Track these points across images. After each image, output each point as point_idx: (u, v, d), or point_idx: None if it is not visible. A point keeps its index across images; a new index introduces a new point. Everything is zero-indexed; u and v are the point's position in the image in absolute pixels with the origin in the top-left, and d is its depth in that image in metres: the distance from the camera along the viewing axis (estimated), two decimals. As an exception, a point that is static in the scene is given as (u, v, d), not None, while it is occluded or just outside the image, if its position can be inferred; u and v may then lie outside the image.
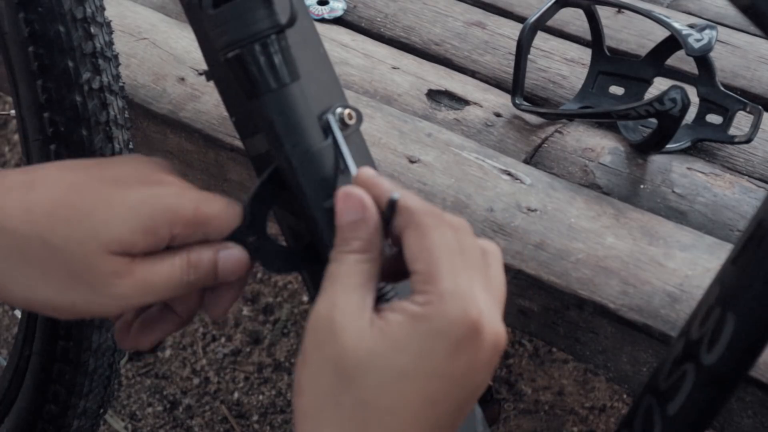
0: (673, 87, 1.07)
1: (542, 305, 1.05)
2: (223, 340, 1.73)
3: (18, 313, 1.14)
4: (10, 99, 1.14)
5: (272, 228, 0.68)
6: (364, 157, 0.69)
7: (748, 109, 1.19)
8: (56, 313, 0.64)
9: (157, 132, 1.27)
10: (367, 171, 0.61)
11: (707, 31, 1.15)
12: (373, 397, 0.54)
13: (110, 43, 0.99)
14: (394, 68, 1.34)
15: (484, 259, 0.59)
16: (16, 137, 2.10)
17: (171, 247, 0.63)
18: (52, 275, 0.61)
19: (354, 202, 0.59)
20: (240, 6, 0.62)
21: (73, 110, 0.95)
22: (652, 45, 1.27)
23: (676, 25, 1.18)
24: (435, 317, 0.54)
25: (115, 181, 0.63)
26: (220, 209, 0.64)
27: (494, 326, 0.56)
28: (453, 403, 0.56)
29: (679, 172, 1.16)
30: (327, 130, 0.65)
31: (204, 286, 0.64)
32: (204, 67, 0.71)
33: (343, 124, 0.66)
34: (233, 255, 0.64)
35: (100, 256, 0.61)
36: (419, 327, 0.54)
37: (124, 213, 0.61)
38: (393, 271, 0.60)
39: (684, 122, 1.15)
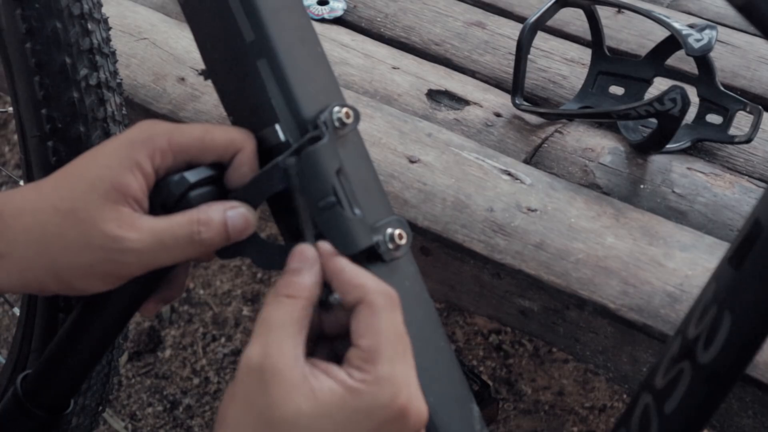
0: (673, 87, 1.07)
1: (542, 305, 1.04)
2: (223, 340, 1.73)
3: (17, 311, 1.14)
4: (8, 97, 1.15)
5: (272, 228, 0.69)
6: (362, 157, 0.69)
7: (748, 109, 1.19)
8: (81, 282, 0.66)
9: (157, 132, 1.27)
10: (326, 246, 0.63)
11: (707, 31, 1.15)
12: None
13: (107, 40, 0.98)
14: (394, 68, 1.34)
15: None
16: (15, 137, 2.10)
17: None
18: (68, 239, 0.65)
19: (304, 255, 0.62)
20: None
21: (70, 107, 0.95)
22: (652, 45, 1.27)
23: (676, 25, 1.17)
24: (367, 397, 0.57)
25: (99, 146, 0.69)
26: (201, 132, 0.66)
27: (420, 410, 0.60)
28: None
29: (679, 172, 1.15)
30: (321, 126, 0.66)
31: (219, 246, 0.66)
32: (203, 66, 0.72)
33: (341, 123, 0.67)
34: (240, 213, 0.66)
35: (104, 207, 0.64)
36: (350, 401, 0.57)
37: (108, 159, 0.66)
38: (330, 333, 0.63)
39: (684, 122, 1.15)
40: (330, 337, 0.63)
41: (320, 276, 0.62)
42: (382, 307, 0.60)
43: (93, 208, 0.64)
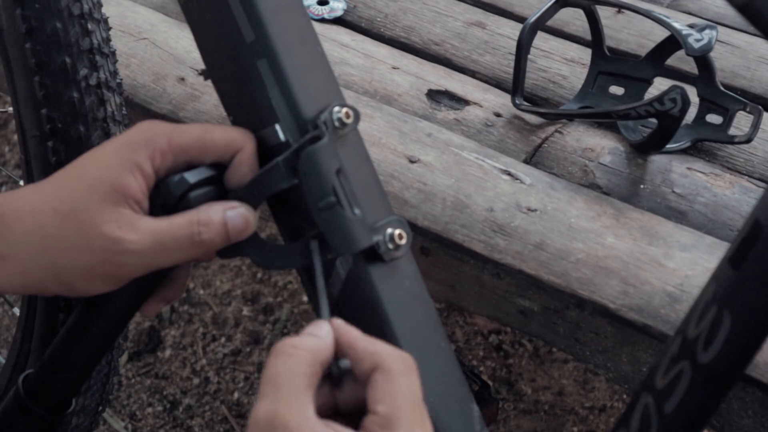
0: (673, 87, 1.07)
1: (542, 305, 1.04)
2: (223, 340, 1.73)
3: (17, 311, 1.14)
4: (8, 97, 1.15)
5: (272, 228, 0.69)
6: (362, 157, 0.69)
7: (748, 109, 1.19)
8: (82, 283, 0.67)
9: (157, 132, 1.27)
10: (339, 320, 0.61)
11: (707, 31, 1.15)
12: None
13: (107, 40, 0.99)
14: (394, 68, 1.34)
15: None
16: (15, 137, 2.10)
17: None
18: (68, 241, 0.65)
19: (316, 325, 0.60)
20: None
21: (70, 107, 0.95)
22: (652, 45, 1.27)
23: (676, 25, 1.17)
24: None
25: (99, 147, 0.69)
26: (200, 132, 0.66)
27: None
28: None
29: (679, 172, 1.15)
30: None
31: (219, 246, 0.66)
32: (203, 66, 0.72)
33: (341, 123, 0.67)
34: (240, 213, 0.66)
35: (104, 208, 0.64)
36: None
37: (108, 160, 0.66)
38: (342, 405, 0.60)
39: (684, 122, 1.15)
40: (344, 413, 0.60)
41: (330, 342, 0.59)
42: (400, 371, 0.57)
43: (93, 210, 0.64)
